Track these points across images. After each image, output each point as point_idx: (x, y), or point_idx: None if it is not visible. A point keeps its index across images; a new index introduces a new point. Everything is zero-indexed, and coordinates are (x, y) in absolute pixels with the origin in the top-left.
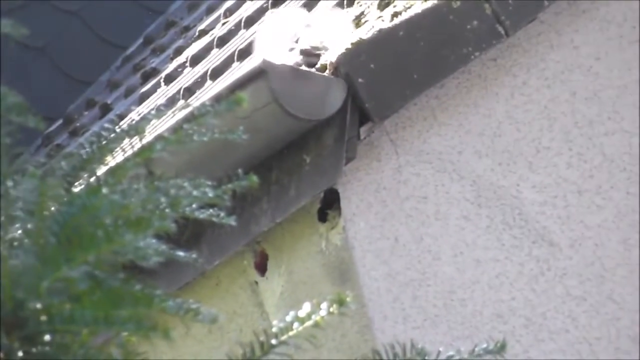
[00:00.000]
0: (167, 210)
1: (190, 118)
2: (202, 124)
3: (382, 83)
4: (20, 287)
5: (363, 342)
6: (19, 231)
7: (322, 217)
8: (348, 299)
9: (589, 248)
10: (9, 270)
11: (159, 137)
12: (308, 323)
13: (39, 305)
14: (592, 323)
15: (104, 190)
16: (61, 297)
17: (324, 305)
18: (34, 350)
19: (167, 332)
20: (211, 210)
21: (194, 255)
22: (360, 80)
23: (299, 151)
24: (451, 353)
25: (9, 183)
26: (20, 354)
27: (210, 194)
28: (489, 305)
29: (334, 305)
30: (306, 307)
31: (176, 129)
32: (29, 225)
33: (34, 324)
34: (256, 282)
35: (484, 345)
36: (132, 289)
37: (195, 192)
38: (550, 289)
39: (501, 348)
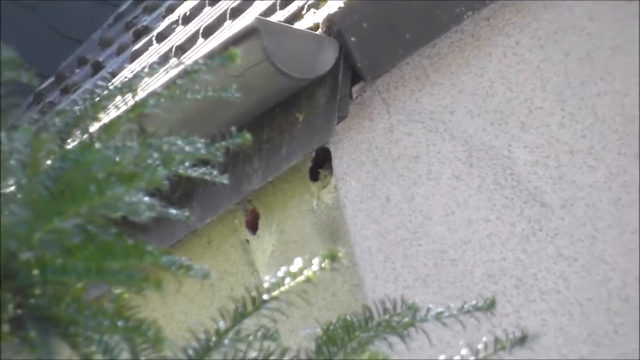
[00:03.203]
0: (159, 166)
1: (183, 75)
2: (195, 80)
3: (375, 42)
4: (12, 239)
5: (354, 301)
6: (12, 187)
7: (314, 176)
8: (340, 255)
9: (581, 208)
10: (0, 222)
11: (152, 93)
12: (299, 278)
13: (30, 257)
14: (583, 284)
15: (97, 145)
16: (53, 249)
17: (315, 261)
18: (25, 302)
19: (160, 284)
20: (204, 169)
21: (186, 213)
22: (352, 39)
23: (291, 110)
24: (441, 310)
25: (2, 134)
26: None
27: (203, 151)
28: (480, 265)
29: (326, 261)
30: (298, 263)
31: (169, 85)
32: (22, 181)
33: (26, 276)
34: (247, 241)
35: (473, 303)
36: (124, 242)
37: (187, 148)
38: (541, 250)
39: (490, 305)
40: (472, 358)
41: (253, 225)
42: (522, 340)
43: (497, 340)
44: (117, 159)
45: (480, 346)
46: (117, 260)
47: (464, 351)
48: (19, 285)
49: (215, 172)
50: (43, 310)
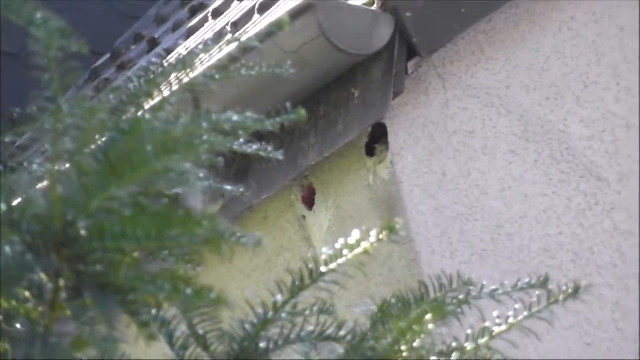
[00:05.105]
0: (211, 138)
1: (237, 51)
2: (246, 51)
3: (430, 17)
4: (70, 206)
5: (410, 277)
6: (67, 164)
7: (370, 151)
8: (397, 226)
9: (637, 182)
10: (57, 190)
11: (206, 69)
12: (357, 250)
13: (89, 224)
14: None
15: (147, 116)
16: (111, 217)
17: (373, 233)
18: (83, 270)
19: (219, 246)
20: (259, 145)
21: (241, 189)
22: (408, 14)
23: (346, 85)
24: (495, 287)
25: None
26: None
27: (252, 122)
28: (537, 240)
29: (384, 232)
30: (355, 235)
31: (223, 61)
32: (73, 151)
33: (84, 243)
34: (304, 217)
35: (527, 280)
36: (182, 210)
37: (236, 118)
38: (598, 224)
39: (544, 282)
40: (526, 312)
41: (309, 201)
42: (576, 291)
43: (550, 294)
44: (168, 128)
45: (534, 300)
46: (176, 227)
47: (517, 306)
48: (77, 253)
49: (270, 148)
50: (101, 277)
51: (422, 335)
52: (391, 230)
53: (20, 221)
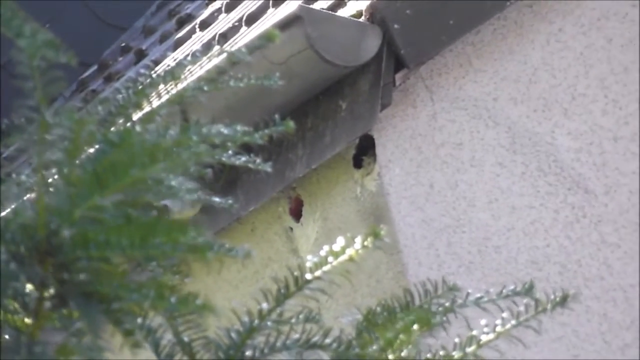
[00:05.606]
0: (199, 149)
1: (225, 62)
2: (235, 63)
3: (418, 29)
4: (54, 215)
5: (397, 288)
6: (55, 176)
7: (357, 163)
8: (382, 232)
9: (624, 195)
10: (43, 200)
11: (194, 81)
12: (342, 257)
13: (73, 232)
14: (626, 270)
15: (137, 128)
16: (94, 227)
17: (358, 239)
18: (68, 279)
19: (205, 253)
20: (247, 157)
21: (229, 201)
22: (395, 26)
23: (334, 97)
24: (480, 295)
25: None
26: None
27: (241, 134)
28: (524, 252)
29: (368, 239)
30: (340, 241)
31: (211, 72)
32: (62, 163)
33: (69, 252)
34: (291, 228)
35: (512, 287)
36: (167, 220)
37: (226, 131)
38: (585, 236)
39: (529, 290)
40: (513, 321)
41: (297, 213)
42: (563, 300)
43: (537, 303)
44: (157, 140)
45: (521, 309)
46: (161, 236)
47: (505, 314)
48: (62, 262)
49: (258, 160)
50: (85, 286)
51: (409, 346)
52: (376, 236)
53: (5, 230)
